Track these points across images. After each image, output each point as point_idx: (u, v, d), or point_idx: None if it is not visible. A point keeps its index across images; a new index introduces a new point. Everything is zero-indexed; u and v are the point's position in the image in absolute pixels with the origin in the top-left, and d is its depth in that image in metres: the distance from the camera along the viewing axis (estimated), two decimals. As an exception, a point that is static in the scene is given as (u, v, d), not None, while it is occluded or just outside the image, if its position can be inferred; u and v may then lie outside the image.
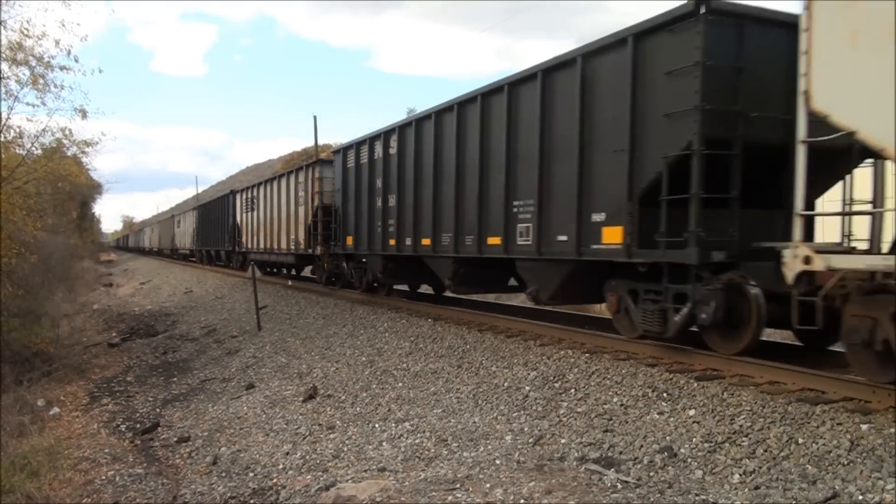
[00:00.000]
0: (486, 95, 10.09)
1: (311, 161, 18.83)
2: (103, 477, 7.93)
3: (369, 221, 14.35)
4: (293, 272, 24.30)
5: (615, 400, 6.80)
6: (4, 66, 14.45)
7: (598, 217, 7.87)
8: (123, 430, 10.31)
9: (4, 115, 15.08)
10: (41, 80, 14.64)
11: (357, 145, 14.90)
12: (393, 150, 13.16)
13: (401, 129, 12.85)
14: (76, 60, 15.43)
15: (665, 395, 6.58)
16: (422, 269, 12.78)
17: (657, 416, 6.22)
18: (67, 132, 15.82)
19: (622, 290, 8.03)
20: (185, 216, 43.72)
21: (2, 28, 14.12)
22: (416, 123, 12.23)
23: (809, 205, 6.75)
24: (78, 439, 9.63)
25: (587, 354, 8.17)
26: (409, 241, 12.51)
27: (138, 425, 10.47)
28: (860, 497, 4.39)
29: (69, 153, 17.51)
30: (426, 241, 11.88)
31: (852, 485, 4.52)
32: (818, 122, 5.59)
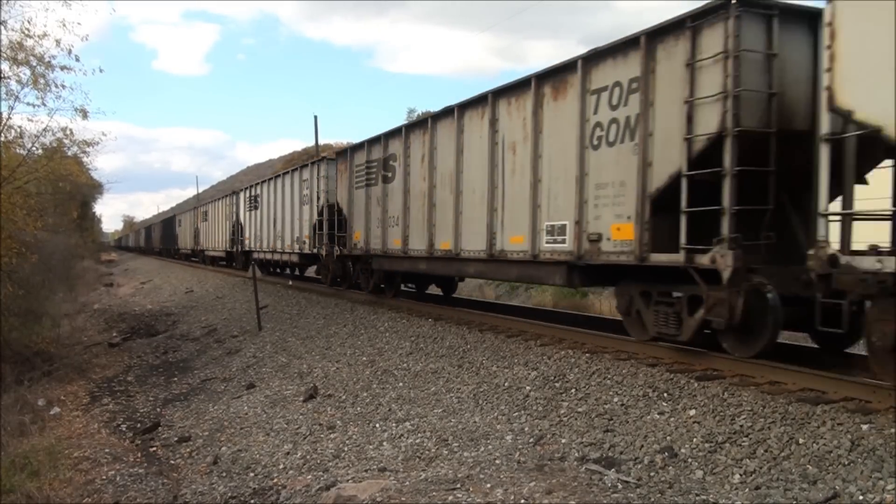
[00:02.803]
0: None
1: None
2: (104, 477, 7.93)
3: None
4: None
5: (616, 400, 6.80)
6: (5, 66, 14.48)
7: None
8: (124, 429, 10.31)
9: (5, 115, 15.11)
10: (42, 80, 14.64)
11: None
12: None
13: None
14: (77, 60, 15.37)
15: (666, 394, 6.58)
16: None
17: (658, 416, 6.21)
18: (68, 132, 15.80)
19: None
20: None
21: (2, 28, 14.13)
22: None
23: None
24: (78, 439, 9.63)
25: (588, 354, 8.17)
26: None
27: (139, 425, 10.47)
28: (861, 497, 4.39)
29: (70, 153, 17.51)
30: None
31: (853, 485, 4.52)
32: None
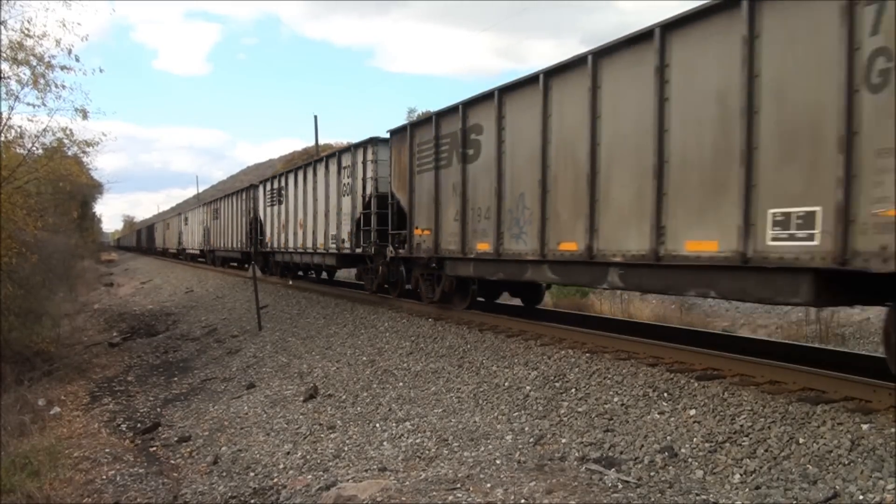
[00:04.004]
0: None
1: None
2: (104, 476, 7.94)
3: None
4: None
5: (616, 399, 6.80)
6: (5, 66, 14.49)
7: None
8: (124, 429, 10.32)
9: (5, 115, 15.13)
10: (42, 80, 14.65)
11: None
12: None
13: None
14: (77, 60, 15.42)
15: (666, 394, 6.58)
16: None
17: (658, 416, 6.21)
18: (68, 132, 15.82)
19: None
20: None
21: (2, 28, 14.14)
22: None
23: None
24: (78, 439, 9.63)
25: (588, 354, 8.17)
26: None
27: (139, 425, 10.47)
28: (861, 497, 4.39)
29: (70, 153, 17.51)
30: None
31: (853, 485, 4.52)
32: None
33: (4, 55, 14.27)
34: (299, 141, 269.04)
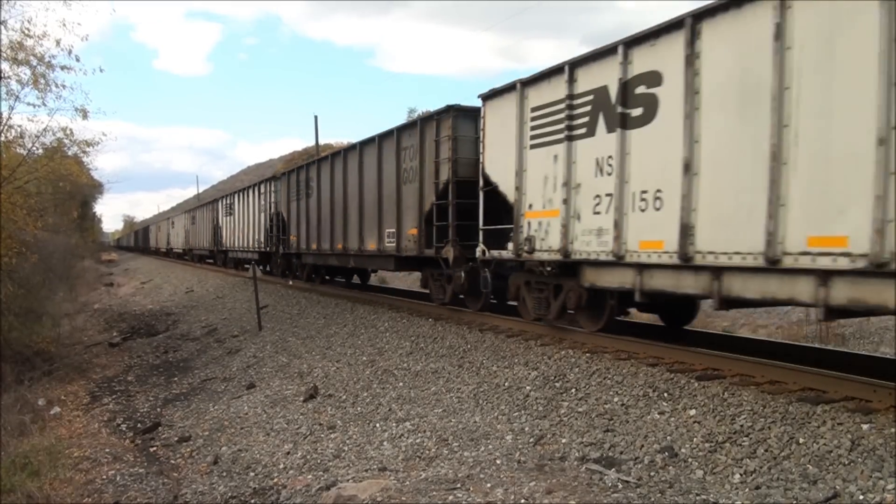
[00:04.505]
0: None
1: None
2: (104, 476, 7.94)
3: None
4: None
5: (616, 399, 6.80)
6: (5, 66, 14.50)
7: None
8: (124, 429, 10.32)
9: (5, 115, 15.15)
10: (42, 80, 14.68)
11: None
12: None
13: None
14: (77, 60, 15.45)
15: (666, 394, 6.58)
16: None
17: (658, 416, 6.22)
18: (68, 132, 15.84)
19: None
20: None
21: (2, 28, 14.15)
22: None
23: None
24: (79, 439, 9.64)
25: (588, 354, 8.17)
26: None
27: (139, 425, 10.48)
28: (861, 497, 4.39)
29: (70, 153, 17.55)
30: None
31: (853, 485, 4.52)
32: None
33: (4, 55, 14.30)
34: (299, 141, 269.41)
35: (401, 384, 9.17)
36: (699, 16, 6.63)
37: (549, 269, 9.03)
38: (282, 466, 7.41)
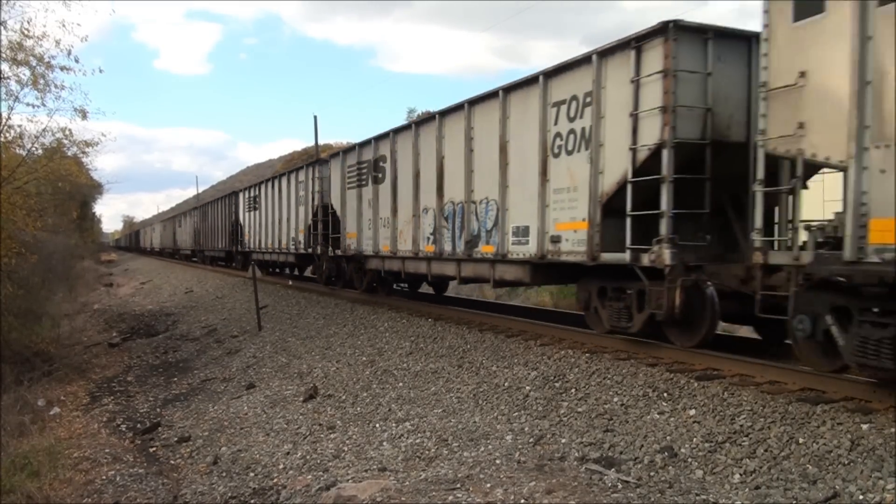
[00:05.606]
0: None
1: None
2: (104, 477, 7.93)
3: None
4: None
5: (616, 400, 6.80)
6: (5, 67, 14.50)
7: None
8: (124, 429, 10.31)
9: (5, 116, 15.15)
10: (42, 81, 14.69)
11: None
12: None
13: None
14: (76, 61, 15.40)
15: (665, 394, 6.58)
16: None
17: (658, 416, 6.21)
18: (68, 132, 15.88)
19: None
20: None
21: (2, 28, 14.14)
22: None
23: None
24: (78, 439, 9.63)
25: (588, 354, 8.17)
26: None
27: (139, 425, 10.47)
28: (860, 497, 4.39)
29: (70, 153, 17.55)
30: None
31: (853, 484, 4.52)
32: None
33: (4, 56, 14.31)
34: (299, 141, 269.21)
35: (400, 384, 9.16)
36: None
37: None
38: (281, 467, 7.41)
